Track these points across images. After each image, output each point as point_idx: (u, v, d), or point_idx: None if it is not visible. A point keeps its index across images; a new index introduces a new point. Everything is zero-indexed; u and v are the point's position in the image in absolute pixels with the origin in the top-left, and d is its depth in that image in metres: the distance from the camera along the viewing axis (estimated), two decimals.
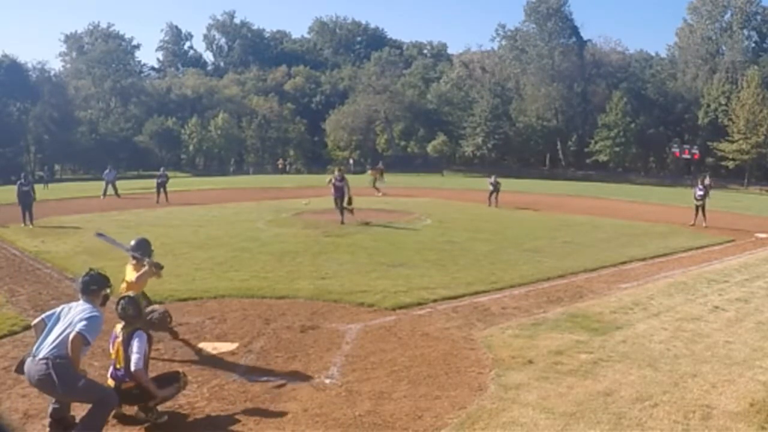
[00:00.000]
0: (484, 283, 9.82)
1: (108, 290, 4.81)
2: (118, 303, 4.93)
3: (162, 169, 26.93)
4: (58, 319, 4.56)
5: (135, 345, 4.76)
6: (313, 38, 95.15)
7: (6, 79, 54.03)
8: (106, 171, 27.96)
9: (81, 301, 4.65)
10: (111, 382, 4.86)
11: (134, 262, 6.25)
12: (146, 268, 6.08)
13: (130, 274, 6.16)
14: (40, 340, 4.52)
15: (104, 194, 26.76)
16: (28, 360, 4.46)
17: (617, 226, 18.28)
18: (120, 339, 4.84)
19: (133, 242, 6.35)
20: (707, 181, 20.44)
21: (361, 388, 5.59)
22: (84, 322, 4.42)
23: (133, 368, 4.70)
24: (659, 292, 9.65)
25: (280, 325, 7.46)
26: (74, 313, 4.54)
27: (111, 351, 4.95)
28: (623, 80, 64.19)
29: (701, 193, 19.17)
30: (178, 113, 68.24)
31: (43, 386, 4.45)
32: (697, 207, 19.22)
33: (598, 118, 61.11)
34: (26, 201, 16.94)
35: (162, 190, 24.73)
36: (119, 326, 4.95)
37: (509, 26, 72.13)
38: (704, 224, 18.54)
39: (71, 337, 4.37)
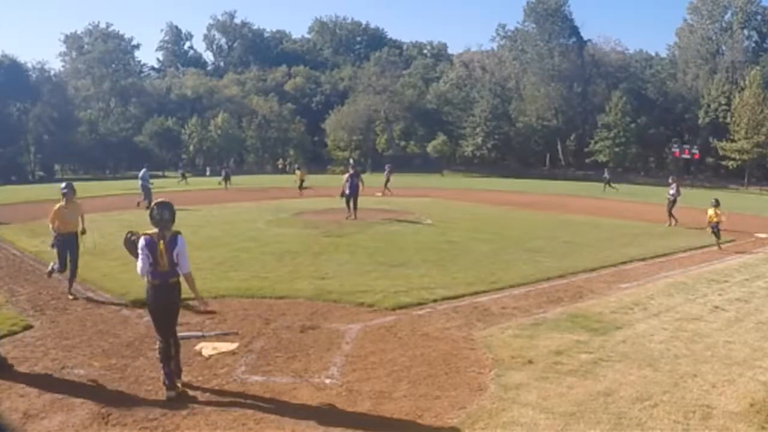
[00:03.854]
0: (484, 283, 9.80)
1: None
2: (151, 209, 5.39)
3: (225, 163, 30.25)
4: None
5: (181, 249, 5.38)
6: (313, 38, 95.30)
7: (6, 79, 54.03)
8: (143, 171, 22.32)
9: None
10: (156, 282, 5.32)
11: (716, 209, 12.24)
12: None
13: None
14: None
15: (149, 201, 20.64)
16: None
17: (617, 226, 18.26)
18: (163, 243, 5.30)
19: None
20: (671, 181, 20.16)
21: (361, 388, 5.59)
22: None
23: (185, 271, 5.44)
24: (659, 292, 9.65)
25: (280, 325, 7.45)
26: None
27: (147, 253, 5.25)
28: (623, 80, 64.22)
29: (672, 192, 18.89)
30: (178, 113, 68.30)
31: None
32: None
33: (597, 118, 61.12)
34: None
35: (227, 182, 30.33)
36: (155, 231, 5.32)
37: (509, 26, 72.38)
38: (674, 223, 18.36)
39: None
